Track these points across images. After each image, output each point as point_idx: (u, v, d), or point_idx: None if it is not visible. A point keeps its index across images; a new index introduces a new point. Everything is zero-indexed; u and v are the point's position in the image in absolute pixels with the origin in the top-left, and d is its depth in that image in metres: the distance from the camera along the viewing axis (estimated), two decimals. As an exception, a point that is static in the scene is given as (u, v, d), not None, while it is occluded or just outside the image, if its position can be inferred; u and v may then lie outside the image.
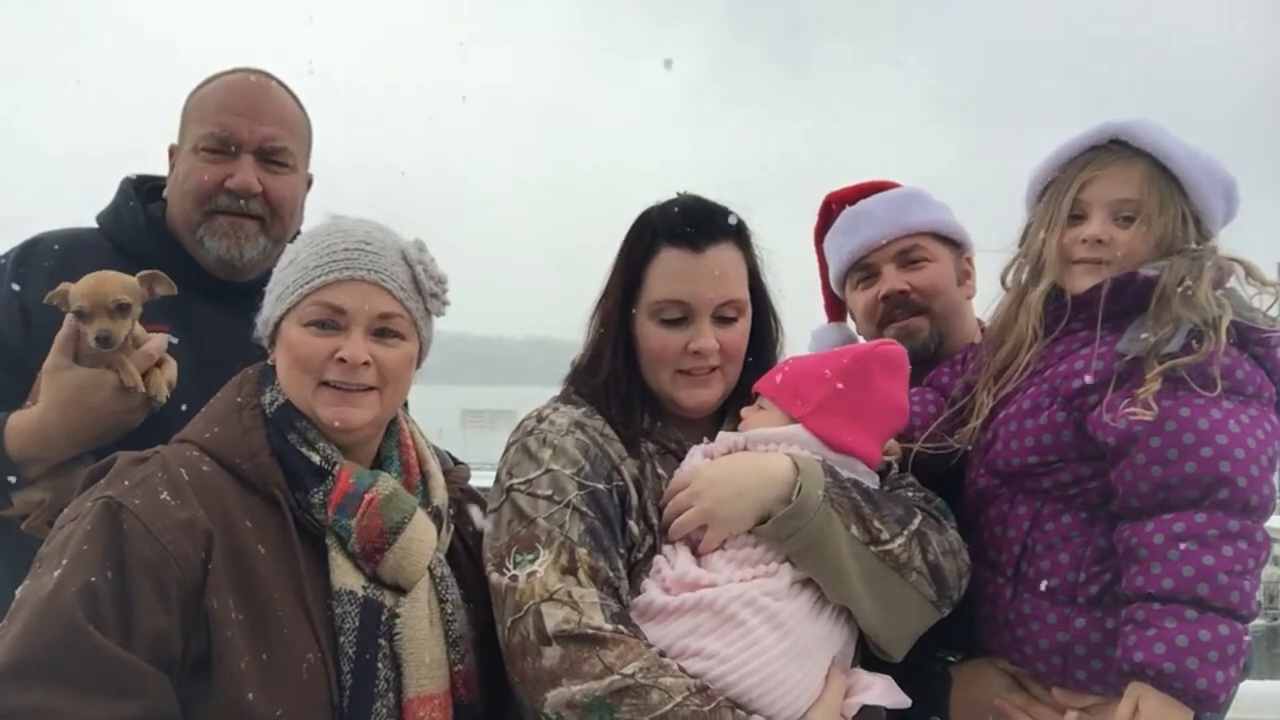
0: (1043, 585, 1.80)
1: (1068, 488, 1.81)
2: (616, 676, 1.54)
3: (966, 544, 1.90)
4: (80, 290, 1.82)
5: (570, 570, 1.64)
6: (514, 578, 1.65)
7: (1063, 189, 1.92)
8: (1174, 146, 1.87)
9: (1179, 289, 1.76)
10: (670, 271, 1.86)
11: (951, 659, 1.99)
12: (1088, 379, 1.79)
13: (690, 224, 1.86)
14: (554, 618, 1.59)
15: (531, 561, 1.65)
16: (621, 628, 1.61)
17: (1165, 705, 1.60)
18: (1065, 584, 1.79)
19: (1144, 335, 1.76)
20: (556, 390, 1.99)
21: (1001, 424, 1.91)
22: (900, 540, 1.75)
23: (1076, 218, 1.90)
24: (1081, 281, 1.89)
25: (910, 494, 1.90)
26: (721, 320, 1.87)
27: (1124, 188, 1.86)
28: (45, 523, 1.83)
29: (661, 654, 1.63)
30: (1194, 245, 1.84)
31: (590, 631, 1.58)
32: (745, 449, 1.83)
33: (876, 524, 1.74)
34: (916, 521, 1.79)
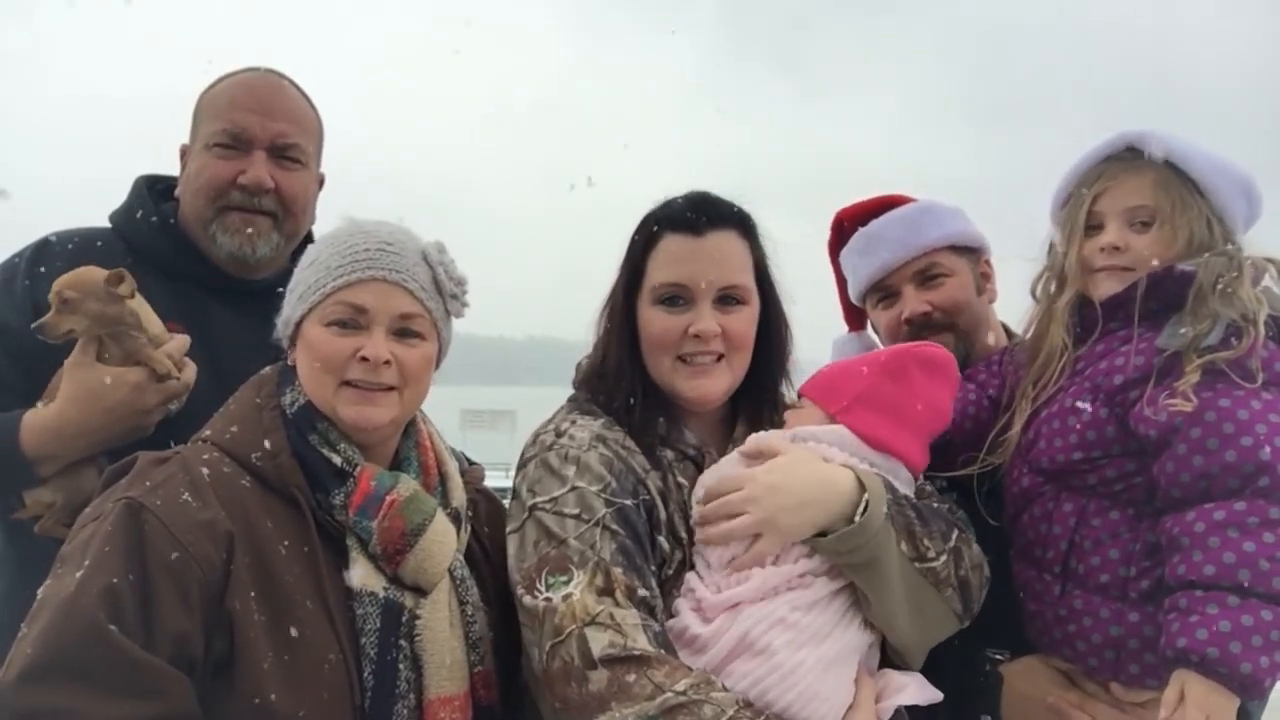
0: (1099, 580, 1.81)
1: (1113, 484, 1.83)
2: (669, 694, 1.51)
3: (1010, 542, 1.91)
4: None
5: (607, 591, 1.60)
6: (549, 600, 1.61)
7: (1080, 202, 1.96)
8: (1187, 149, 1.89)
9: (1218, 285, 1.78)
10: (670, 255, 1.84)
11: (1000, 656, 2.00)
12: (1129, 375, 1.82)
13: (691, 210, 1.85)
14: (599, 642, 1.55)
15: (565, 583, 1.61)
16: (663, 649, 1.59)
17: (1210, 691, 1.61)
18: (1116, 579, 1.81)
19: (1183, 330, 1.78)
20: (556, 390, 1.97)
21: (1044, 423, 1.93)
22: (944, 557, 1.75)
23: (1094, 228, 1.94)
24: (1104, 288, 1.92)
25: (936, 504, 1.89)
26: (724, 305, 1.83)
27: (1136, 194, 1.89)
28: (58, 524, 1.84)
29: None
30: (1225, 245, 1.87)
31: (637, 653, 1.54)
32: (778, 451, 1.79)
33: (925, 542, 1.73)
34: (955, 537, 1.79)
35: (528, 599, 1.65)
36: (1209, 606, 1.62)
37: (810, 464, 1.75)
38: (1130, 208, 1.90)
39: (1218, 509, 1.67)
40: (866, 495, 1.68)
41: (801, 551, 1.72)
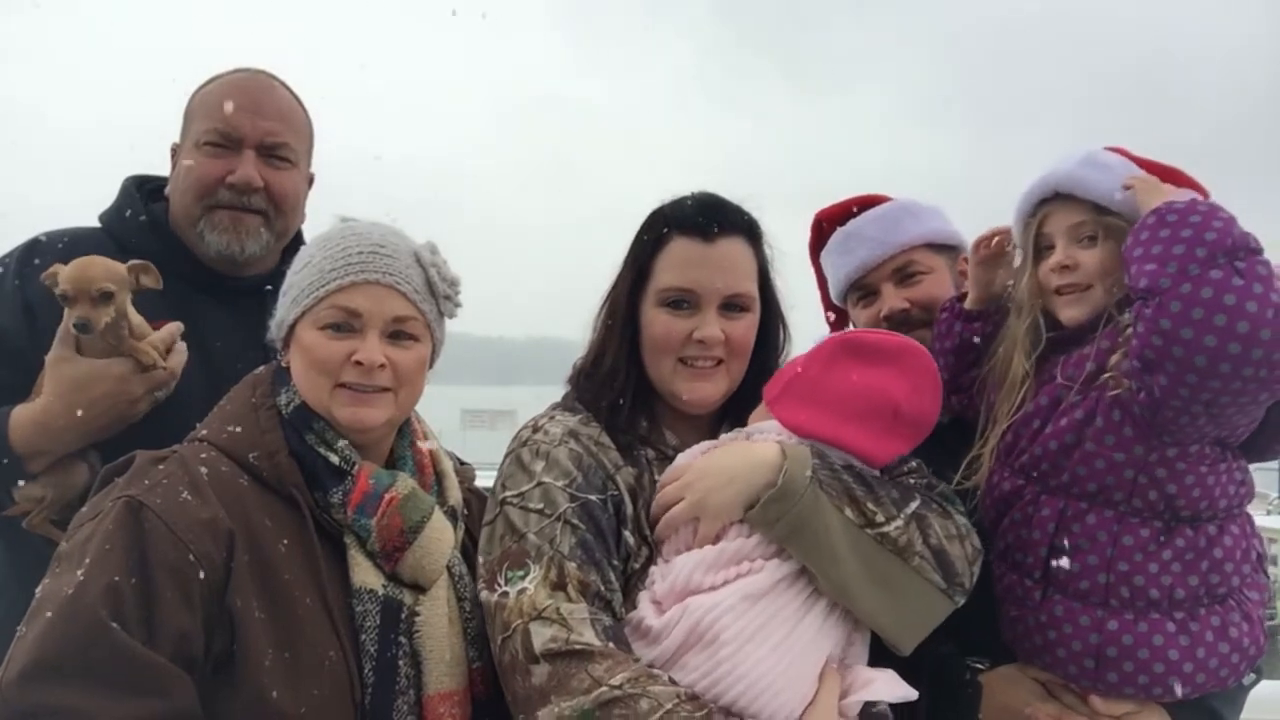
0: (1079, 586, 1.82)
1: (1086, 482, 1.82)
2: (604, 689, 1.52)
3: (990, 550, 1.89)
4: (66, 275, 1.82)
5: (560, 586, 1.62)
6: (504, 594, 1.63)
7: (1029, 230, 1.99)
8: (1085, 174, 1.90)
9: None
10: (679, 259, 1.84)
11: (980, 666, 1.99)
12: (1097, 359, 1.83)
13: (703, 214, 1.85)
14: (541, 636, 1.57)
15: (522, 578, 1.64)
16: (612, 643, 1.60)
17: None
18: (1096, 586, 1.81)
19: None
20: (557, 390, 1.98)
21: (1022, 424, 1.93)
22: (898, 523, 1.71)
23: (1047, 249, 1.96)
24: (1069, 313, 1.93)
25: (912, 481, 1.87)
26: (728, 311, 1.85)
27: (1077, 212, 1.91)
28: (47, 520, 1.85)
29: (651, 665, 1.61)
30: None
31: (579, 647, 1.56)
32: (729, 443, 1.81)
33: (871, 505, 1.71)
34: (914, 504, 1.76)
35: (485, 593, 1.68)
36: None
37: (740, 446, 1.78)
38: (1074, 224, 1.92)
39: None
40: (786, 462, 1.69)
41: (739, 531, 1.72)
